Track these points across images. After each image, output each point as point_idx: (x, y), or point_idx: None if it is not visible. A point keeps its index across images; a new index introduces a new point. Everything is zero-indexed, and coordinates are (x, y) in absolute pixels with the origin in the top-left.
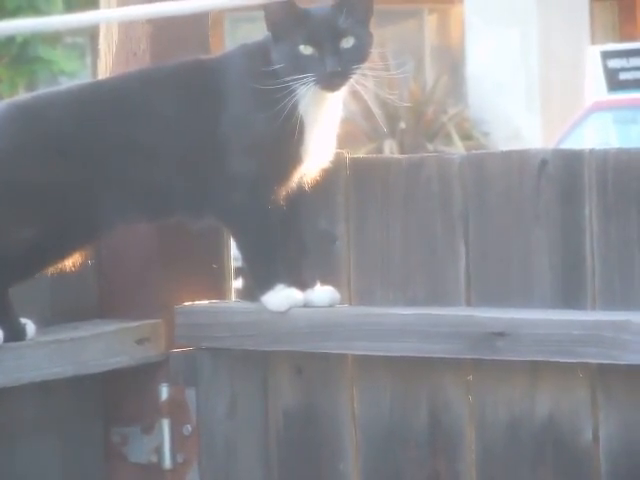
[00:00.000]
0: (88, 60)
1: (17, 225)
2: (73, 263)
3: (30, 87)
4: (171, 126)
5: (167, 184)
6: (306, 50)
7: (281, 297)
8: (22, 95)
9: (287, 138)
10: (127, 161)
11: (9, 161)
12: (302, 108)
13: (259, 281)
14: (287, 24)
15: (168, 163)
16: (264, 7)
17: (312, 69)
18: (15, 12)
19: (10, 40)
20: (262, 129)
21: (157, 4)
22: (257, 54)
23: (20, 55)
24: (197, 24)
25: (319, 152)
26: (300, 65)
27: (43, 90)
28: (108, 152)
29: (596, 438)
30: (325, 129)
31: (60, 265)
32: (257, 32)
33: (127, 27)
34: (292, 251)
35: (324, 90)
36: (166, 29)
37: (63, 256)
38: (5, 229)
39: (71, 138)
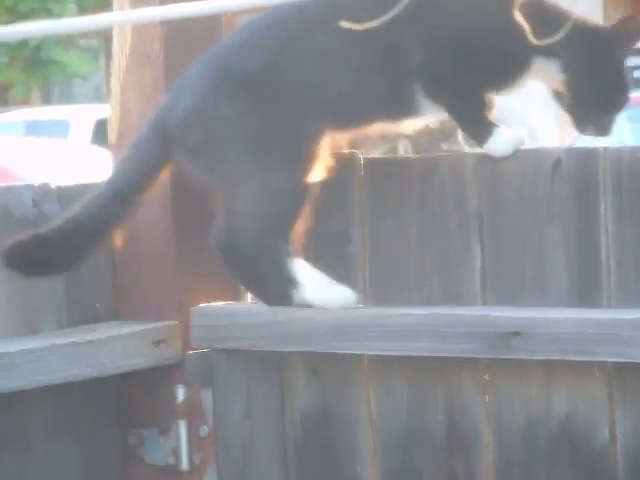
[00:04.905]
0: (102, 62)
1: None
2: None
3: (44, 90)
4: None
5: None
6: None
7: (505, 140)
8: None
9: None
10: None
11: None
12: None
13: (475, 135)
14: None
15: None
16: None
17: None
18: (28, 15)
19: (23, 43)
20: None
21: (170, 6)
22: None
23: (34, 58)
24: (210, 26)
25: None
26: None
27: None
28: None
29: (613, 437)
30: None
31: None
32: None
33: (140, 29)
34: None
35: None
36: (180, 31)
37: None
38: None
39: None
